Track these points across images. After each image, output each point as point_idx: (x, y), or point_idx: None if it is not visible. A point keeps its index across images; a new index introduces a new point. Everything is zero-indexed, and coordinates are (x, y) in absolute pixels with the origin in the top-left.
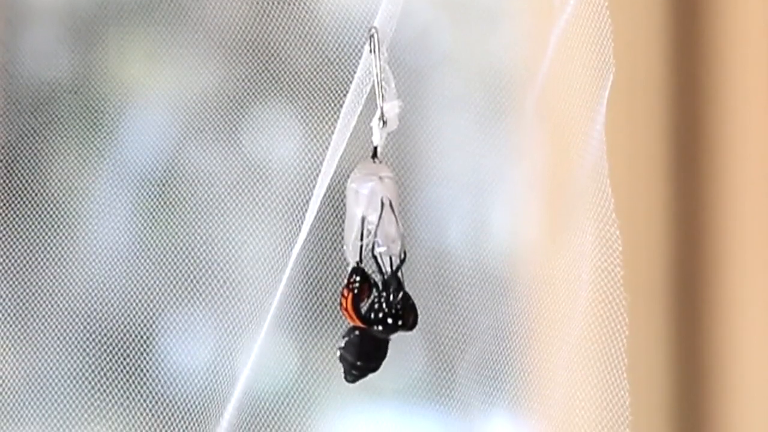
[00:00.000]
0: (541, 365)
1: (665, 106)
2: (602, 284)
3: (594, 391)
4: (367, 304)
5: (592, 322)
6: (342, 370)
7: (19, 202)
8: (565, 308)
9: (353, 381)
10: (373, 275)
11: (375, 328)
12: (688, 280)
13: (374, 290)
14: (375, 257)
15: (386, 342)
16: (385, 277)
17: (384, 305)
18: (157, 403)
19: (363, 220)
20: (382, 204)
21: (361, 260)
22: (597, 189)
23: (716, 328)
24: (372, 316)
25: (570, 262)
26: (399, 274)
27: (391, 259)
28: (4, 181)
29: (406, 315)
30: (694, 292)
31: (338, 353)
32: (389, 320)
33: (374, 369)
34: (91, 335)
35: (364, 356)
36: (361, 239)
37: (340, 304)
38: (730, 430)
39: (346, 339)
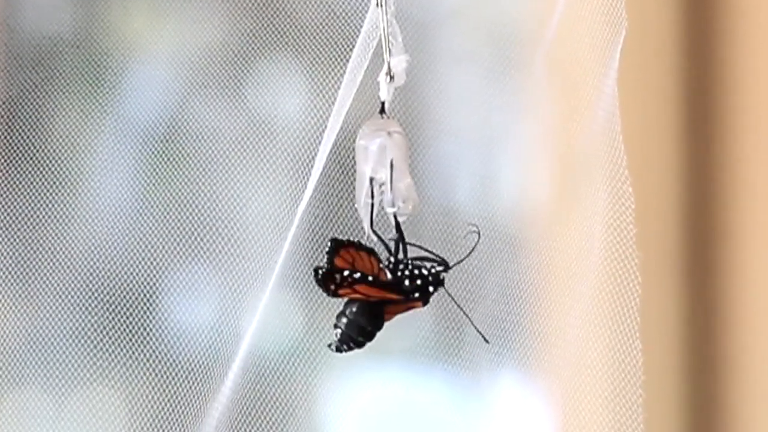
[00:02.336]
0: (552, 324)
1: (679, 60)
2: (615, 241)
3: (606, 350)
4: (389, 271)
5: (605, 279)
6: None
7: (20, 158)
8: (577, 266)
9: (349, 350)
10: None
11: (412, 296)
12: (701, 237)
13: (390, 258)
14: (397, 224)
15: (383, 312)
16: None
17: (425, 272)
18: (160, 362)
19: (371, 178)
20: (392, 163)
21: (372, 219)
22: (610, 145)
23: (729, 285)
24: (408, 283)
25: (582, 219)
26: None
27: (395, 216)
28: (5, 137)
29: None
30: (707, 249)
31: (344, 320)
32: (430, 288)
33: (372, 338)
34: (94, 294)
35: (372, 321)
36: (372, 197)
37: (337, 294)
38: (744, 387)
39: (357, 304)
